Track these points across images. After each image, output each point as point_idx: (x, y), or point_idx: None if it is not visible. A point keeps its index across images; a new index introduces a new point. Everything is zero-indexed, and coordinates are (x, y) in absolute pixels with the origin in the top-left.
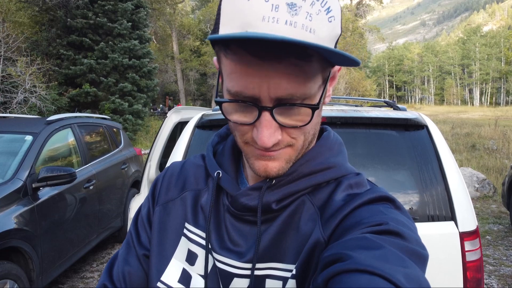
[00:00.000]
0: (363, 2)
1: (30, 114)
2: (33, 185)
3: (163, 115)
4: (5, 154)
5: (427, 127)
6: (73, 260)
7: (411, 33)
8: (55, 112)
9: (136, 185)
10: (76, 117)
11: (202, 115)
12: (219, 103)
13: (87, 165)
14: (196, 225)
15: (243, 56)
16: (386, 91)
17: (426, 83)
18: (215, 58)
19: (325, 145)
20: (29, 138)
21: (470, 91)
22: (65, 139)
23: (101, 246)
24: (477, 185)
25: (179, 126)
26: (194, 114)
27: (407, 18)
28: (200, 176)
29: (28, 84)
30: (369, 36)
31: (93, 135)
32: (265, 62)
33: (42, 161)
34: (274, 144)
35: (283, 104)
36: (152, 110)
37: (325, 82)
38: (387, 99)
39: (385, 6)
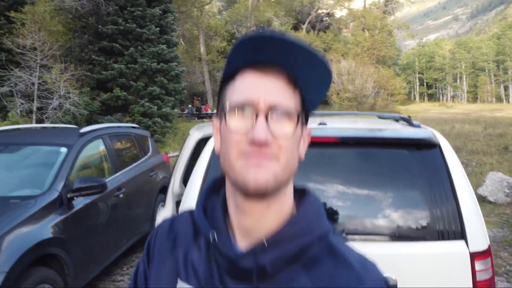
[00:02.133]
0: None
1: (64, 119)
2: (68, 195)
3: (192, 116)
4: (42, 165)
5: (439, 146)
6: (105, 264)
7: (443, 28)
8: (88, 116)
9: (163, 190)
10: (107, 127)
11: None
12: (219, 118)
13: (117, 173)
14: (188, 281)
15: (250, 75)
16: (416, 89)
17: (458, 80)
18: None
19: (308, 208)
20: (64, 150)
21: (506, 88)
22: (96, 149)
23: (131, 250)
24: (507, 190)
25: (202, 142)
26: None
27: (439, 13)
28: (189, 232)
29: (62, 90)
30: (398, 33)
31: (123, 144)
32: (266, 78)
33: (76, 172)
34: (267, 143)
35: (275, 110)
36: (180, 111)
37: (300, 122)
38: (403, 115)
39: (415, 1)
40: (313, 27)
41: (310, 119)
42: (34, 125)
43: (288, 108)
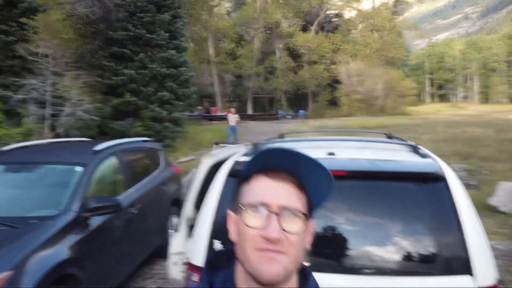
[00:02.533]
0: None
1: (76, 126)
2: (84, 215)
3: (201, 118)
4: (59, 184)
5: (446, 179)
6: (120, 279)
7: (452, 28)
8: (100, 122)
9: (176, 203)
10: (120, 143)
11: (235, 162)
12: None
13: (131, 189)
14: None
15: (264, 179)
16: (426, 89)
17: (469, 81)
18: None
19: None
20: (79, 169)
21: None
22: (110, 166)
23: (145, 263)
24: None
25: (214, 169)
26: (230, 152)
27: (448, 12)
28: None
29: (75, 97)
30: (407, 33)
31: (136, 159)
32: (277, 183)
33: (91, 190)
34: (279, 240)
35: (285, 210)
36: (190, 113)
37: (307, 219)
38: (411, 143)
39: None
40: (322, 28)
41: (319, 147)
42: (48, 140)
43: (297, 208)
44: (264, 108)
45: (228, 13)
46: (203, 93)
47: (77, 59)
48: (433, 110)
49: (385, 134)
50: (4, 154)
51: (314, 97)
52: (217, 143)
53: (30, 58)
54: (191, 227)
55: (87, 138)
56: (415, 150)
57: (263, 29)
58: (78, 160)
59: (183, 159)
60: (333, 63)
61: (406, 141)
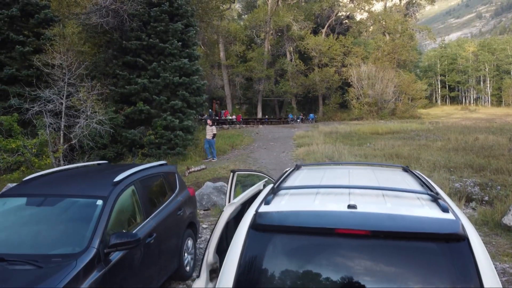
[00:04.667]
0: (413, 1)
1: (90, 136)
2: (105, 251)
3: (212, 121)
4: (79, 220)
5: (468, 239)
6: None
7: (465, 27)
8: (112, 130)
9: (191, 226)
10: (138, 171)
11: (256, 214)
12: None
13: (148, 218)
14: None
15: None
16: (438, 91)
17: (482, 83)
18: None
19: None
20: (99, 203)
21: None
22: (129, 198)
23: (161, 286)
24: None
25: (234, 220)
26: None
27: (461, 11)
28: None
29: (89, 110)
30: (418, 33)
31: (153, 187)
32: None
33: (111, 224)
34: None
35: None
36: (199, 116)
37: None
38: (430, 193)
39: None
40: (333, 30)
41: (338, 193)
42: (67, 167)
43: None
44: (274, 111)
45: (239, 15)
46: (214, 96)
47: (92, 68)
48: (444, 113)
49: (402, 167)
50: (25, 185)
51: (324, 100)
52: (233, 172)
53: (46, 70)
54: (212, 272)
55: (100, 146)
56: (435, 200)
57: (273, 32)
58: (98, 192)
59: (194, 168)
60: (344, 66)
61: (424, 177)
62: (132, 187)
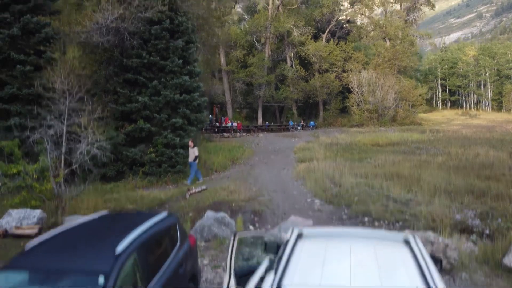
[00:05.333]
0: (414, 7)
1: (91, 163)
2: None
3: (212, 127)
4: None
5: None
6: None
7: (466, 27)
8: (113, 149)
9: (192, 279)
10: (140, 234)
11: None
12: None
13: (152, 282)
14: None
15: None
16: (438, 95)
17: (482, 87)
18: None
19: None
20: (101, 280)
21: None
22: (131, 268)
23: None
24: None
25: None
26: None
27: (462, 11)
28: None
29: (90, 137)
30: (419, 38)
31: (154, 249)
32: None
33: None
34: None
35: None
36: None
37: None
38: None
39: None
40: (333, 34)
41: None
42: (67, 226)
43: None
44: (275, 115)
45: (240, 20)
46: (214, 101)
47: (92, 85)
48: (445, 118)
49: (404, 239)
50: (27, 256)
51: (324, 106)
52: (235, 234)
53: (47, 94)
54: None
55: (100, 165)
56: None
57: (274, 37)
58: (100, 266)
59: (194, 190)
60: (344, 71)
61: (424, 256)
62: (134, 255)
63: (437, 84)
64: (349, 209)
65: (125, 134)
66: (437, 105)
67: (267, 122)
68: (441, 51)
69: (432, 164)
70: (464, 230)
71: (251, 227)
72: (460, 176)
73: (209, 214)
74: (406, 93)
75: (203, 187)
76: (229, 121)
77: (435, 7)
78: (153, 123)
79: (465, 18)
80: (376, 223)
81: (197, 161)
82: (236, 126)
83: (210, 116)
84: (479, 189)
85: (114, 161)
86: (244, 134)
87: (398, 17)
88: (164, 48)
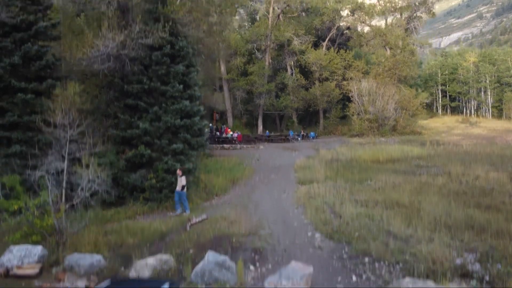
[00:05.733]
0: (414, 16)
1: (93, 200)
2: None
3: (211, 137)
4: None
5: None
6: None
7: (466, 27)
8: (114, 175)
9: None
10: None
11: None
12: None
13: None
14: None
15: None
16: (439, 101)
17: (483, 94)
18: None
19: None
20: None
21: None
22: None
23: None
24: None
25: None
26: None
27: (462, 11)
28: None
29: (91, 175)
30: (420, 47)
31: None
32: None
33: None
34: None
35: None
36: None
37: None
38: None
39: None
40: (333, 41)
41: None
42: None
43: None
44: (275, 123)
45: (240, 27)
46: (214, 109)
47: (93, 110)
48: (445, 126)
49: None
50: None
51: (325, 114)
52: None
53: (48, 130)
54: None
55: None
56: None
57: (274, 46)
58: None
59: (195, 220)
60: (345, 79)
61: None
62: None
63: (438, 90)
64: (350, 247)
65: (126, 160)
66: (437, 111)
67: (267, 131)
68: (442, 57)
69: (432, 187)
70: (465, 274)
71: (251, 267)
72: (461, 204)
73: (210, 257)
74: (406, 103)
75: (204, 216)
76: (229, 130)
77: (435, 15)
78: (153, 149)
79: (466, 18)
80: (377, 264)
81: (185, 190)
82: (237, 138)
83: (210, 124)
84: (479, 224)
85: (115, 186)
86: (245, 146)
87: (398, 26)
88: (164, 74)
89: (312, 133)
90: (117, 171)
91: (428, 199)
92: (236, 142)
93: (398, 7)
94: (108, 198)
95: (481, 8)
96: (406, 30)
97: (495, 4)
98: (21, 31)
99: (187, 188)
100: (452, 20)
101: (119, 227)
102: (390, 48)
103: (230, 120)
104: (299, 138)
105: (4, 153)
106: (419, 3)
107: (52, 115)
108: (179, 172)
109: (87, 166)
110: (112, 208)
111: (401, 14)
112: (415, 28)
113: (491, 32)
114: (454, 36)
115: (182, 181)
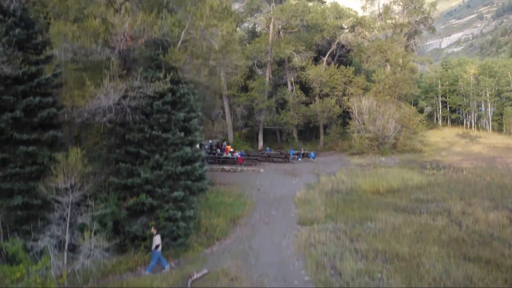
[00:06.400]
0: (415, 32)
1: (93, 264)
2: None
3: (210, 154)
4: None
5: None
6: None
7: (466, 27)
8: (115, 224)
9: None
10: None
11: None
12: None
13: None
14: None
15: None
16: (439, 112)
17: (483, 107)
18: None
19: None
20: None
21: None
22: None
23: None
24: None
25: None
26: None
27: (463, 12)
28: None
29: (92, 245)
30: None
31: None
32: None
33: None
34: None
35: None
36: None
37: None
38: None
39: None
40: (334, 55)
41: None
42: None
43: None
44: (275, 136)
45: (241, 40)
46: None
47: (94, 156)
48: (445, 142)
49: None
50: None
51: (325, 129)
52: None
53: (51, 195)
54: None
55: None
56: None
57: (275, 62)
58: None
59: (196, 275)
60: (345, 95)
61: None
62: None
63: (438, 101)
64: None
65: (127, 208)
66: (437, 121)
67: (268, 148)
68: (442, 67)
69: (432, 232)
70: None
71: None
72: (460, 258)
73: None
74: (407, 120)
75: (205, 271)
76: (230, 148)
77: (435, 31)
78: (154, 196)
79: (466, 19)
80: None
81: (159, 249)
82: (237, 160)
83: (210, 141)
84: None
85: (116, 234)
86: (245, 168)
87: (398, 42)
88: (166, 121)
89: (312, 154)
90: (119, 220)
91: (428, 249)
92: (237, 164)
93: (398, 23)
94: (109, 246)
95: (482, 9)
96: (406, 47)
97: (495, 5)
98: (23, 84)
99: (162, 248)
100: (453, 20)
101: (119, 284)
102: (391, 65)
103: (230, 135)
104: (300, 159)
105: (6, 205)
106: (419, 20)
107: (54, 179)
108: (153, 230)
109: (89, 231)
110: (114, 256)
111: (401, 31)
112: (415, 45)
113: (491, 33)
114: (455, 36)
115: (156, 240)
